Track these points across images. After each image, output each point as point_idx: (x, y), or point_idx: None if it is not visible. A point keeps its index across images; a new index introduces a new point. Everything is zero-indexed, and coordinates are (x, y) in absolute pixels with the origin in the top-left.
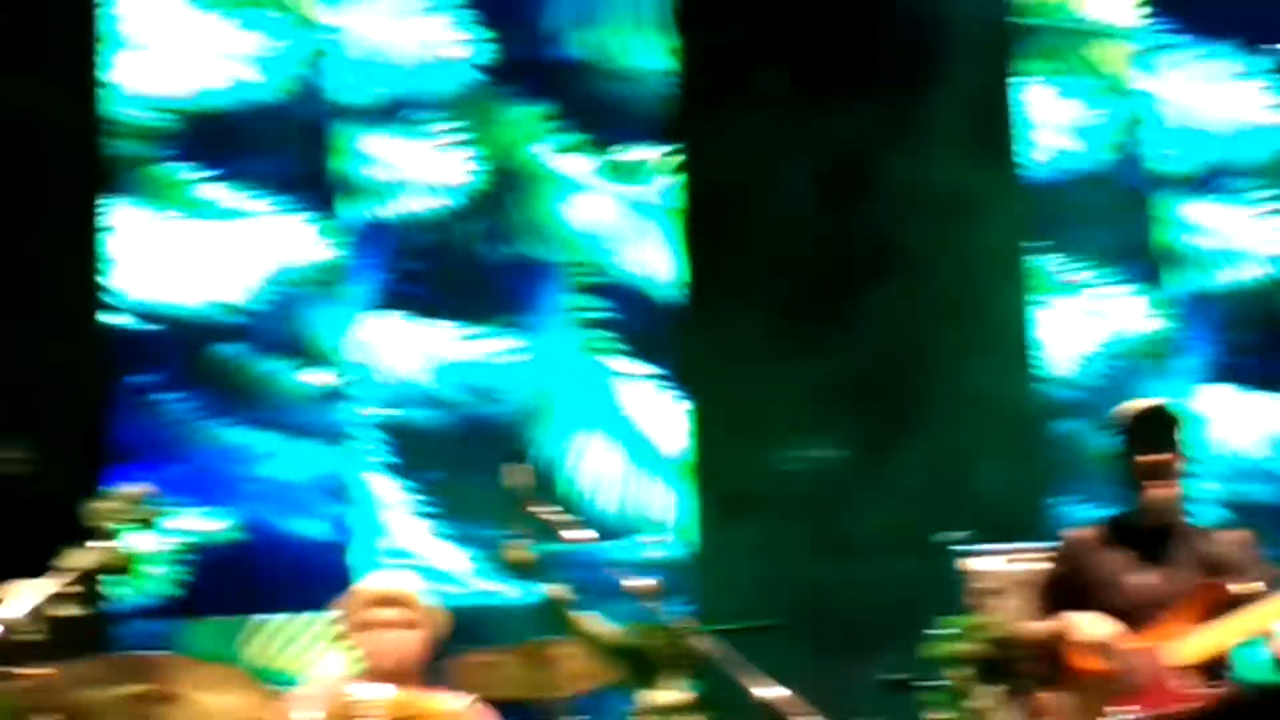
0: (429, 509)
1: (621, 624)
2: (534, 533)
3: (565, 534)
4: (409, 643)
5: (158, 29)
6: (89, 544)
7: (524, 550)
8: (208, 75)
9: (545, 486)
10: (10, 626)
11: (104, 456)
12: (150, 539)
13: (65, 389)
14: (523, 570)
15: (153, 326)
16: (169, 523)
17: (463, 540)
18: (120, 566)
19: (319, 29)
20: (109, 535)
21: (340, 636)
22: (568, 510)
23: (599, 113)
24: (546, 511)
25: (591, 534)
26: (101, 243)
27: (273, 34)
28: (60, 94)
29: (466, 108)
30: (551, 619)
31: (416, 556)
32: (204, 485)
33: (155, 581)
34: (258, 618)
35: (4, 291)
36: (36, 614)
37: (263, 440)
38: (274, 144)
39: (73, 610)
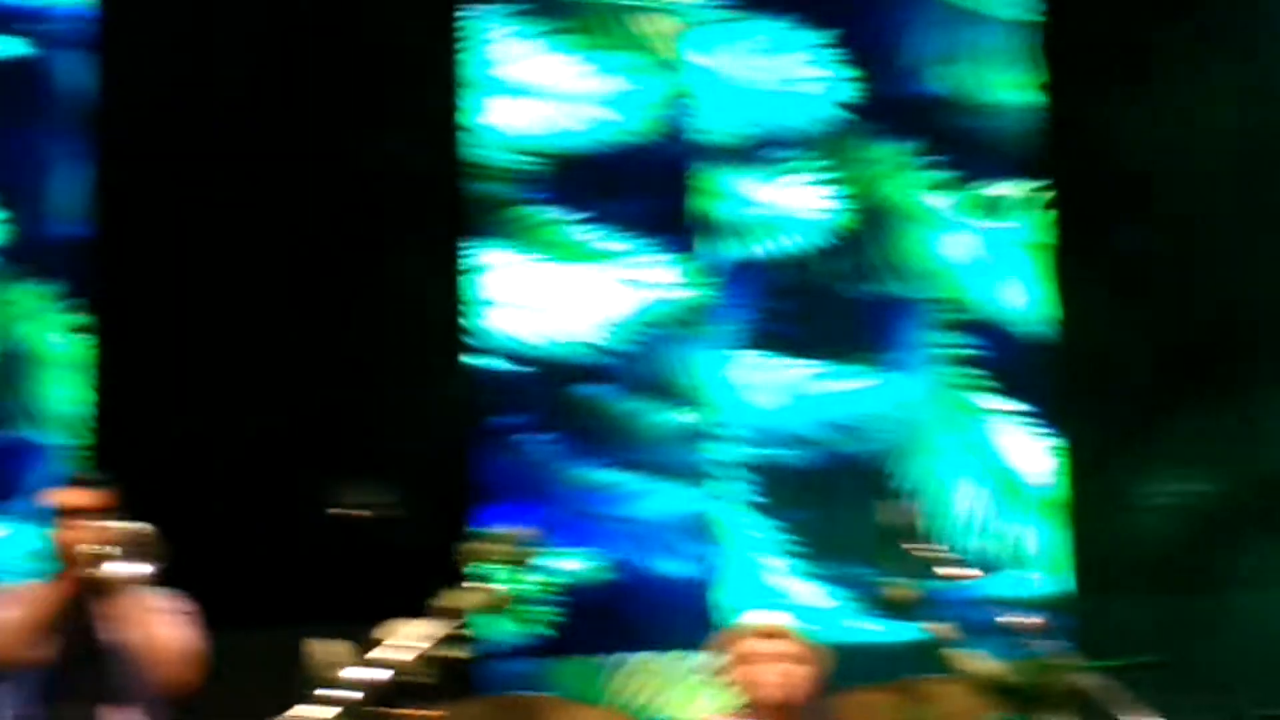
0: (794, 547)
1: (1002, 661)
2: (913, 570)
3: (945, 571)
4: (794, 678)
5: (520, 74)
6: (469, 585)
7: (906, 589)
8: (570, 118)
9: (916, 524)
10: (397, 668)
11: (470, 497)
12: (529, 580)
13: (432, 430)
14: (905, 608)
15: (517, 368)
16: (544, 563)
17: (827, 578)
18: (499, 607)
19: (680, 69)
20: (488, 576)
21: (721, 672)
22: (942, 548)
23: (964, 148)
24: (925, 549)
25: (972, 571)
26: (467, 285)
27: (634, 75)
28: (425, 139)
29: (829, 145)
30: (931, 657)
31: (781, 595)
32: (569, 525)
33: (520, 622)
34: (622, 657)
35: (372, 334)
36: (421, 655)
37: (627, 480)
38: (637, 185)
39: (454, 652)
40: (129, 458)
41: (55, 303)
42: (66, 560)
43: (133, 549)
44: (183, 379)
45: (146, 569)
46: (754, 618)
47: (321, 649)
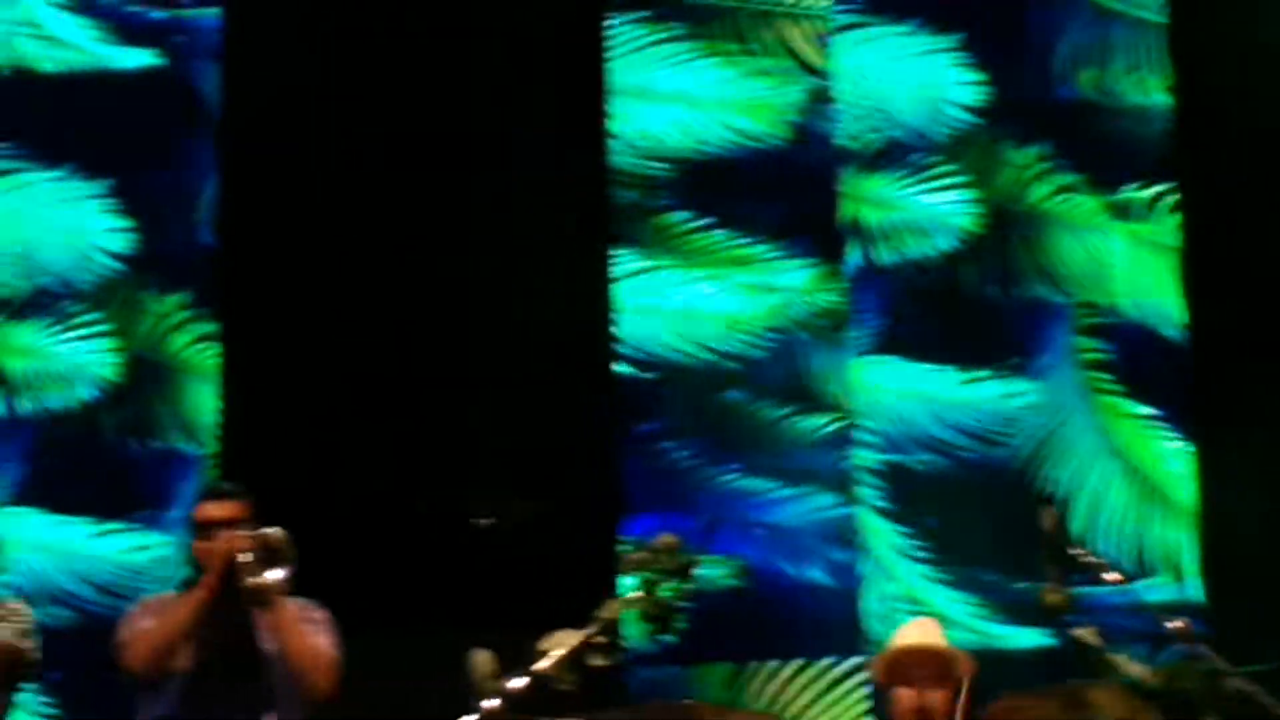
0: (932, 554)
1: (1152, 666)
2: (1060, 575)
3: (1092, 576)
4: (943, 699)
5: (663, 80)
6: (628, 593)
7: (1061, 593)
8: (711, 123)
9: (1062, 528)
10: (544, 677)
11: (614, 506)
12: (681, 587)
13: (576, 439)
14: (1058, 612)
15: (658, 375)
16: (699, 571)
17: (965, 585)
18: (656, 615)
19: (819, 73)
20: (645, 585)
21: (872, 682)
22: (1087, 552)
23: (1099, 152)
24: (1072, 553)
25: (1116, 576)
26: (610, 292)
27: (772, 80)
28: (569, 146)
29: (964, 150)
30: (1081, 662)
31: (920, 602)
32: (711, 532)
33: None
34: (763, 663)
35: (518, 343)
36: (568, 664)
37: (767, 487)
38: (775, 190)
39: (605, 660)
40: (260, 466)
41: (182, 312)
42: (205, 571)
43: (269, 556)
44: (316, 387)
45: (282, 576)
46: (905, 629)
47: (479, 658)
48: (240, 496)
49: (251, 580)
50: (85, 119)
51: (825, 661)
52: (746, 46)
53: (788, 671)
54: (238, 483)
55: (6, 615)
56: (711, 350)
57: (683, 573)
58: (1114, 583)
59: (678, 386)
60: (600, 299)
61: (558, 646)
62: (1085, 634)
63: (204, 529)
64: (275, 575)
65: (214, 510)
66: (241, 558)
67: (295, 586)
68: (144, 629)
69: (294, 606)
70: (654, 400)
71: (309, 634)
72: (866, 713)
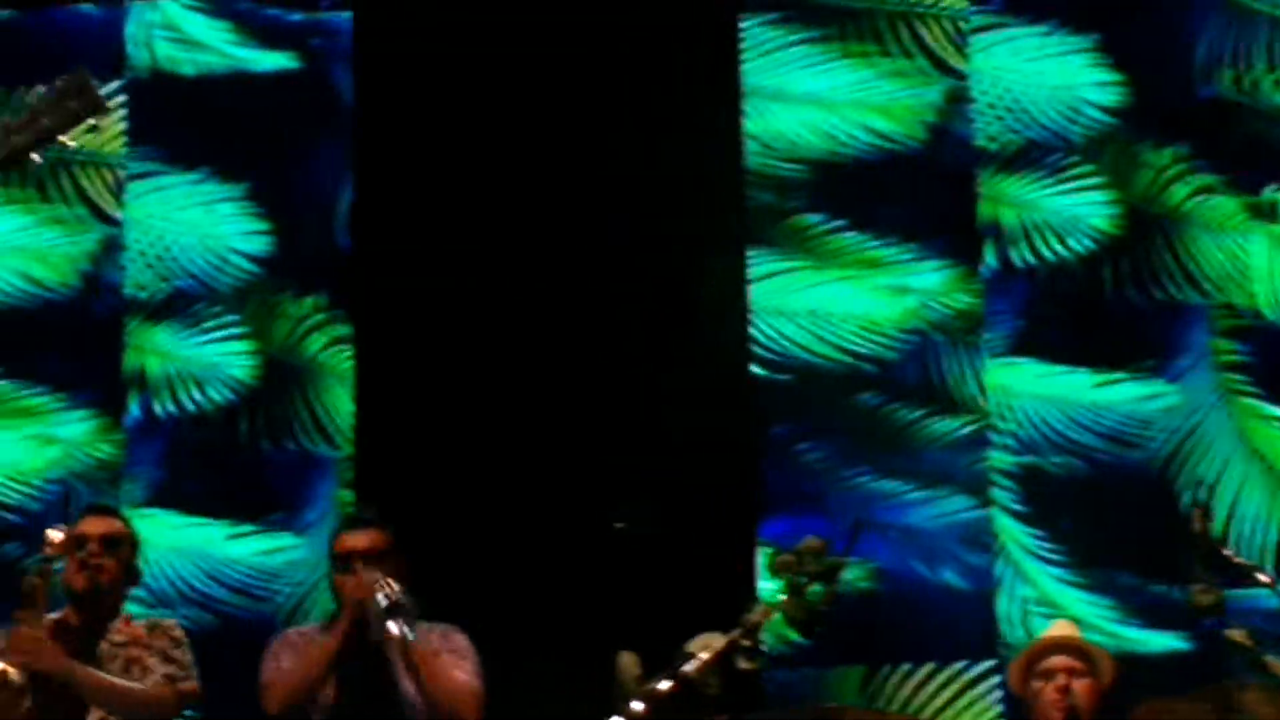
0: (1067, 557)
1: None
2: (1214, 577)
3: (1247, 578)
4: (1085, 691)
5: (799, 81)
6: (775, 597)
7: (1213, 594)
8: (847, 124)
9: (1209, 530)
10: (689, 680)
11: (752, 509)
12: (828, 591)
13: (714, 442)
14: (1209, 612)
15: (793, 378)
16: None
17: (1100, 588)
18: (802, 619)
19: (955, 74)
20: (791, 588)
21: (1013, 685)
22: (1235, 554)
23: (1238, 153)
24: (1222, 555)
25: (1271, 578)
26: (750, 294)
27: (909, 81)
28: (707, 147)
29: (1102, 150)
30: (1229, 664)
31: (1055, 605)
32: (849, 535)
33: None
34: (898, 667)
35: (655, 346)
36: (714, 667)
37: (901, 489)
38: (910, 192)
39: (749, 664)
40: (395, 470)
41: (318, 315)
42: (347, 606)
43: (392, 608)
44: (452, 391)
45: (415, 611)
46: (1048, 631)
47: (625, 660)
48: (380, 526)
49: (391, 618)
50: (223, 122)
51: (958, 665)
52: (883, 47)
53: (920, 675)
54: (375, 510)
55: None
56: (847, 352)
57: (829, 576)
58: (1266, 585)
59: (813, 389)
60: (737, 301)
61: (703, 649)
62: (1237, 635)
63: (344, 560)
64: (398, 629)
65: (353, 541)
66: (379, 594)
67: (434, 598)
68: (284, 670)
69: (434, 638)
70: (789, 402)
71: (449, 670)
72: (999, 717)
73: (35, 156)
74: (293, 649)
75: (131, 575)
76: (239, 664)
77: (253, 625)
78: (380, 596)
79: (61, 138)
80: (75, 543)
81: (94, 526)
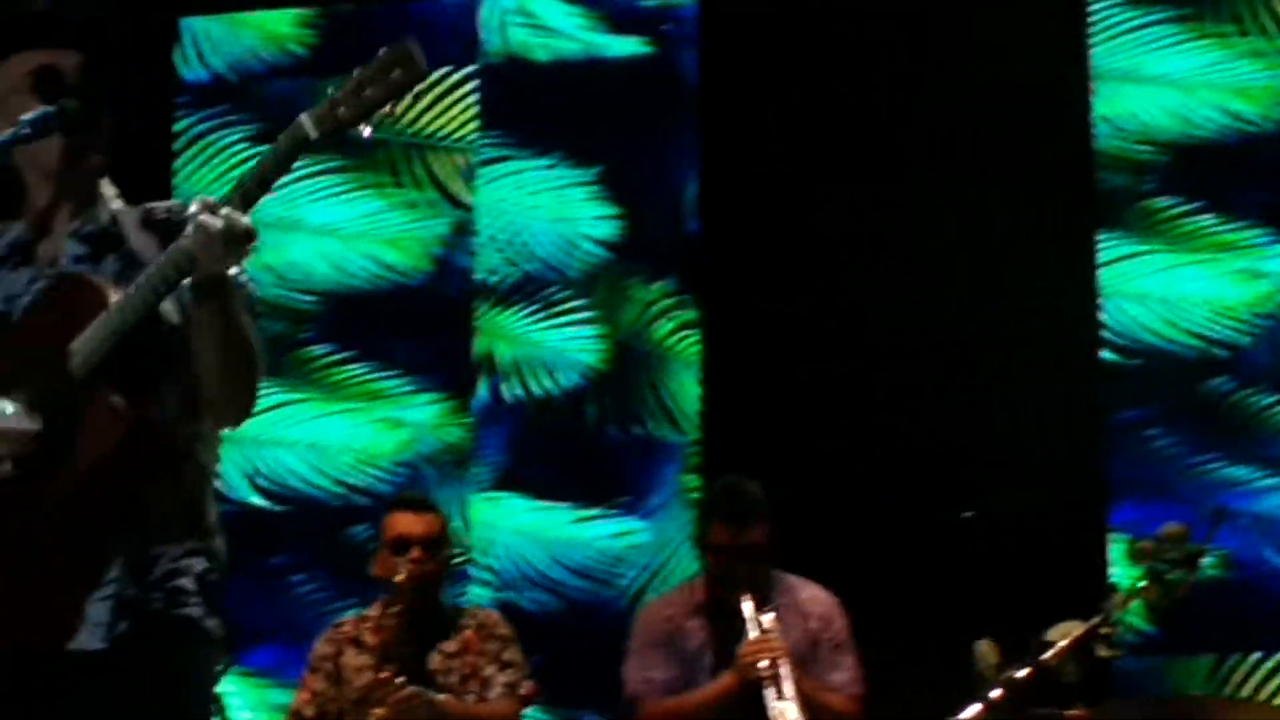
0: None
1: None
2: None
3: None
4: None
5: (1150, 63)
6: (1136, 584)
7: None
8: (1199, 105)
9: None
10: (1047, 667)
11: (1101, 495)
12: (1188, 578)
13: (1064, 427)
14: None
15: (1143, 362)
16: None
17: None
18: (1162, 606)
19: None
20: (1151, 575)
21: None
22: None
23: None
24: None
25: None
26: (1100, 279)
27: (1266, 62)
28: (1057, 130)
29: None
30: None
31: None
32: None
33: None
34: (1247, 655)
35: (1004, 331)
36: (1072, 655)
37: (1251, 475)
38: (1261, 174)
39: (1108, 651)
40: (742, 456)
41: (667, 300)
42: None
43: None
44: (799, 376)
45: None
46: None
47: (984, 648)
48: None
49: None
50: (575, 107)
51: None
52: (1241, 27)
53: (1271, 664)
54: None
55: None
56: (1198, 336)
57: (1189, 563)
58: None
59: (1163, 374)
60: (1087, 285)
61: (1062, 637)
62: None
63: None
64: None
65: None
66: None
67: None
68: (655, 684)
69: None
70: (1139, 387)
71: (825, 695)
72: None
73: (365, 130)
74: (654, 648)
75: (449, 571)
76: (584, 648)
77: (597, 609)
78: (763, 665)
79: (383, 110)
80: (397, 545)
81: (414, 526)
